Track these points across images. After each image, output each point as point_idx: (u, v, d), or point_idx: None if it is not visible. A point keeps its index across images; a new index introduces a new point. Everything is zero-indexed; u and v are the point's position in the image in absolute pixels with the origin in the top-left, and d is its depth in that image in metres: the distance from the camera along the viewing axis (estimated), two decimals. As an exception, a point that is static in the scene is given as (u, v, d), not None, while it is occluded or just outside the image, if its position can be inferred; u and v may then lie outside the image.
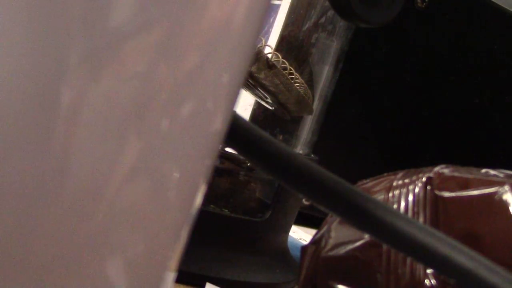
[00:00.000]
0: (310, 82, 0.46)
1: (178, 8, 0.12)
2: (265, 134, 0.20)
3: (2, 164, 0.11)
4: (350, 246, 0.25)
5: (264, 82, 0.41)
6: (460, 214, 0.23)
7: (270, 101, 0.44)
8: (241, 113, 0.19)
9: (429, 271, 0.22)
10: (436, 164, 0.26)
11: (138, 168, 0.13)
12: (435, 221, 0.23)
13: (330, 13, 0.44)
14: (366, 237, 0.24)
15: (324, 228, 0.28)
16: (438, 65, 0.66)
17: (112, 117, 0.12)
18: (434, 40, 0.65)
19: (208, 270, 0.41)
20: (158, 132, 0.13)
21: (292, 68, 0.42)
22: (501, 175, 0.24)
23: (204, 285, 0.40)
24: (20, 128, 0.11)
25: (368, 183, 0.28)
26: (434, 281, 0.22)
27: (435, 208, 0.23)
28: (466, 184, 0.24)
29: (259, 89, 0.43)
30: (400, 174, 0.27)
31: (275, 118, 0.47)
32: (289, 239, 0.49)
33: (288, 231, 0.49)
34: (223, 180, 0.44)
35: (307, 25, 0.46)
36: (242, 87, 0.16)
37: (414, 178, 0.25)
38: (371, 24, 0.19)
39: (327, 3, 0.41)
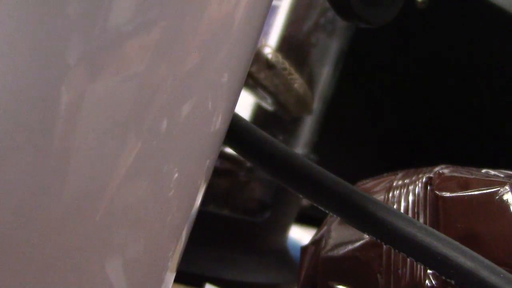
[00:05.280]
0: (310, 82, 0.46)
1: (178, 8, 0.12)
2: (265, 134, 0.20)
3: (2, 164, 0.11)
4: (350, 246, 0.25)
5: (264, 82, 0.41)
6: (460, 214, 0.23)
7: (270, 101, 0.44)
8: (241, 113, 0.19)
9: (429, 271, 0.22)
10: (436, 164, 0.26)
11: (138, 168, 0.13)
12: (435, 221, 0.23)
13: (330, 13, 0.44)
14: (366, 237, 0.24)
15: (324, 228, 0.28)
16: (438, 65, 0.66)
17: (112, 117, 0.12)
18: (434, 40, 0.65)
19: (208, 270, 0.41)
20: (158, 132, 0.13)
21: (292, 68, 0.42)
22: (501, 175, 0.24)
23: (204, 285, 0.40)
24: (20, 128, 0.11)
25: (368, 183, 0.28)
26: (434, 281, 0.22)
27: (435, 208, 0.23)
28: (466, 184, 0.24)
29: (259, 89, 0.42)
30: (400, 174, 0.27)
31: (275, 118, 0.47)
32: (289, 239, 0.49)
33: (288, 231, 0.49)
34: (223, 180, 0.44)
35: (307, 25, 0.46)
36: (242, 87, 0.16)
37: (414, 178, 0.25)
38: (371, 24, 0.19)
39: (327, 3, 0.41)
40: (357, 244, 0.25)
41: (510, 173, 0.25)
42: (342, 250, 0.25)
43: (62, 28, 0.11)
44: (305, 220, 0.57)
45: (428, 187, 0.24)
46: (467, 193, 0.23)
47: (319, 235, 0.28)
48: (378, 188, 0.27)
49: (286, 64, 0.42)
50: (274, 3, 0.44)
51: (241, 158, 0.20)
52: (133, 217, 0.13)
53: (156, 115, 0.13)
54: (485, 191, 0.23)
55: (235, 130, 0.19)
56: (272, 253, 0.46)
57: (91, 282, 0.13)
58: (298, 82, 0.43)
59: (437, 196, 0.24)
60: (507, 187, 0.22)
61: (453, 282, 0.17)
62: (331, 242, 0.26)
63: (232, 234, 0.44)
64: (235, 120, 0.19)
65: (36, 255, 0.12)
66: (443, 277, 0.18)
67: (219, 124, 0.15)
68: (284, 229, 0.48)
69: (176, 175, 0.14)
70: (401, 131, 0.68)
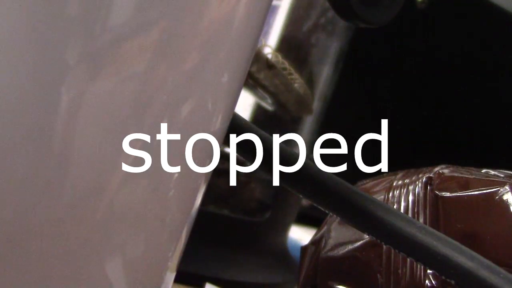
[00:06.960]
0: (310, 82, 0.46)
1: (178, 8, 0.12)
2: (265, 134, 0.20)
3: (2, 164, 0.11)
4: (350, 246, 0.25)
5: (264, 82, 0.41)
6: (460, 214, 0.23)
7: (270, 101, 0.44)
8: (241, 113, 0.20)
9: (429, 271, 0.22)
10: (436, 164, 0.26)
11: (138, 168, 0.13)
12: (435, 221, 0.23)
13: (330, 13, 0.44)
14: (366, 237, 0.24)
15: (324, 228, 0.28)
16: (438, 65, 0.66)
17: (112, 117, 0.12)
18: (434, 40, 0.65)
19: (208, 270, 0.41)
20: (158, 132, 0.13)
21: (292, 68, 0.42)
22: (501, 175, 0.24)
23: (204, 285, 0.39)
24: (20, 128, 0.11)
25: (368, 183, 0.28)
26: (434, 281, 0.22)
27: (435, 208, 0.23)
28: (466, 184, 0.23)
29: (259, 89, 0.42)
30: (400, 174, 0.27)
31: (275, 118, 0.47)
32: (289, 239, 0.49)
33: (288, 231, 0.49)
34: (223, 180, 0.44)
35: (307, 25, 0.46)
36: (242, 87, 0.16)
37: (414, 178, 0.25)
38: (371, 24, 0.19)
39: (327, 3, 0.41)
40: (357, 244, 0.25)
41: (510, 173, 0.25)
42: (342, 250, 0.25)
43: (62, 28, 0.11)
44: (305, 220, 0.57)
45: (428, 187, 0.24)
46: (467, 193, 0.23)
47: (319, 235, 0.28)
48: (378, 188, 0.27)
49: (286, 64, 0.42)
50: (274, 3, 0.44)
51: (241, 158, 0.20)
52: (133, 217, 0.13)
53: (156, 115, 0.13)
54: (485, 191, 0.23)
55: (236, 131, 0.19)
56: (272, 253, 0.46)
57: (91, 282, 0.13)
58: (298, 82, 0.43)
59: (437, 196, 0.24)
60: (507, 187, 0.22)
61: (453, 282, 0.17)
62: (331, 242, 0.26)
63: (232, 234, 0.44)
64: (235, 120, 0.19)
65: (36, 255, 0.12)
66: (443, 277, 0.18)
67: (219, 124, 0.15)
68: (284, 229, 0.48)
69: (176, 175, 0.14)
70: (401, 131, 0.68)
